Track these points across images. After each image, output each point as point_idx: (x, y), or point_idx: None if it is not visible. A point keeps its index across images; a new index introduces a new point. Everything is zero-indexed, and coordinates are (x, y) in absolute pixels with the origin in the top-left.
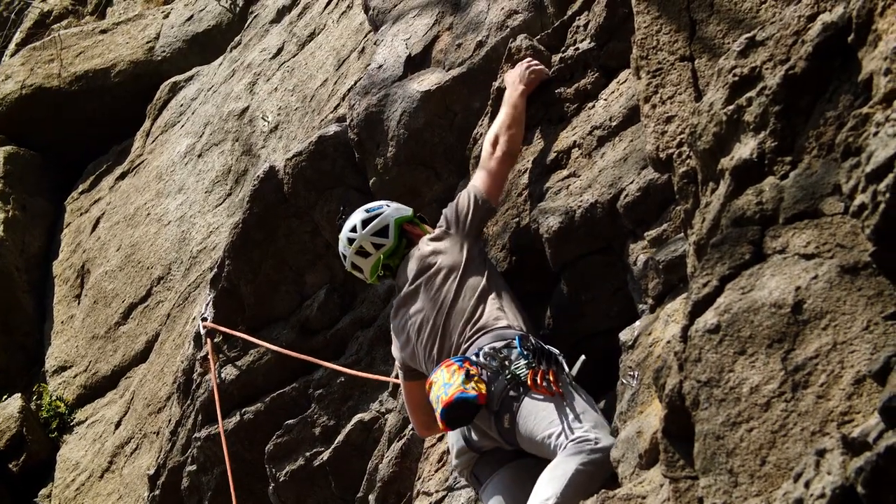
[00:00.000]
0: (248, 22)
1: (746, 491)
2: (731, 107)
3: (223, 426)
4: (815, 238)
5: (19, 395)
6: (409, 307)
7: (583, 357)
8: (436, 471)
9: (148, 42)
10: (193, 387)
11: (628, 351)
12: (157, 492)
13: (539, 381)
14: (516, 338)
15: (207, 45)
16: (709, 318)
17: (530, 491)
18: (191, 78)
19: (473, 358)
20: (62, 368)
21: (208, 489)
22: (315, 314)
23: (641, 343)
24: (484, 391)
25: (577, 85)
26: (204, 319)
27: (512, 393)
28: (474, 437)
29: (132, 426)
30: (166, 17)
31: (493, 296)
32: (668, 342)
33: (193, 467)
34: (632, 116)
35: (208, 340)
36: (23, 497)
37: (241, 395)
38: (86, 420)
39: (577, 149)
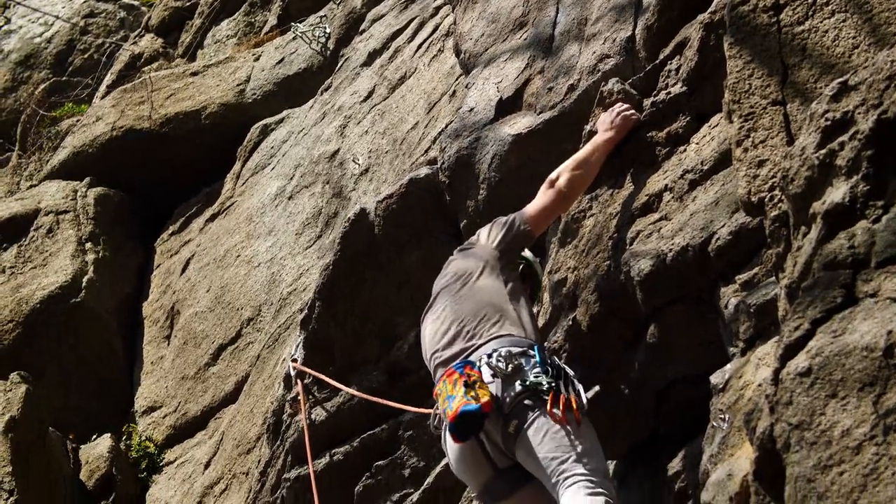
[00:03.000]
0: (339, 65)
1: None
2: (823, 151)
3: (313, 467)
4: None
5: (109, 435)
6: (430, 316)
7: (597, 387)
8: None
9: (238, 84)
10: (283, 428)
11: (719, 394)
12: None
13: (561, 408)
14: (534, 347)
15: (298, 87)
16: (800, 361)
17: None
18: (281, 120)
19: (477, 361)
20: (152, 409)
21: None
22: (405, 356)
23: (732, 386)
24: (488, 398)
25: (668, 129)
26: (294, 360)
27: (527, 402)
28: (491, 451)
29: (221, 467)
30: (257, 59)
31: (511, 304)
32: (760, 385)
33: None
34: (723, 160)
35: (298, 381)
36: None
37: (330, 436)
38: (175, 460)
39: (668, 192)
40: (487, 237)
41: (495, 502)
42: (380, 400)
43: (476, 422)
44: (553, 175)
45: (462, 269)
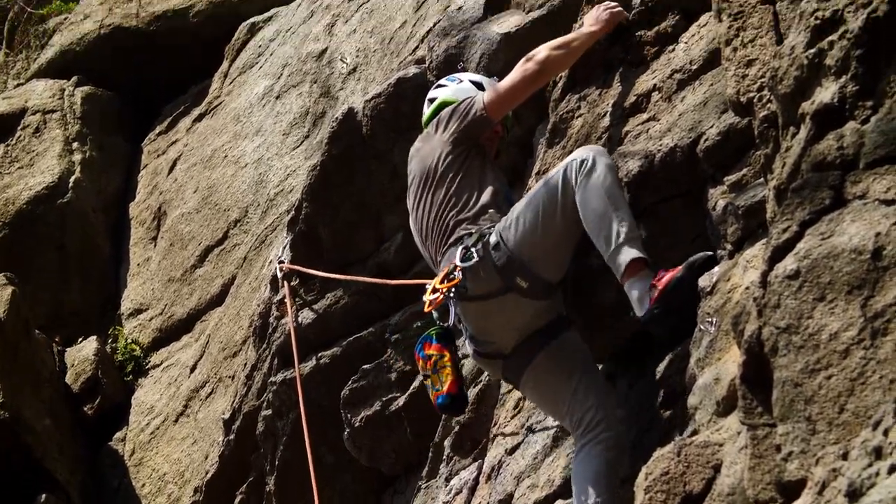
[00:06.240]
0: None
1: (825, 439)
2: (812, 50)
3: (299, 371)
4: None
5: (95, 337)
6: (410, 216)
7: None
8: (512, 417)
9: None
10: (270, 330)
11: (707, 297)
12: (231, 436)
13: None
14: (458, 244)
15: None
16: (788, 263)
17: (566, 372)
18: (269, 19)
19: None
20: (138, 311)
21: (283, 434)
22: (392, 257)
23: (720, 289)
24: (451, 378)
25: (657, 28)
26: (281, 262)
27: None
28: (481, 347)
29: (207, 370)
30: None
31: (457, 207)
32: (747, 288)
33: (269, 412)
34: (712, 60)
35: (285, 283)
36: (98, 440)
37: (317, 339)
38: (161, 364)
39: (656, 92)
40: (444, 127)
41: (515, 382)
42: (379, 280)
43: (456, 405)
44: (531, 53)
45: (421, 169)
